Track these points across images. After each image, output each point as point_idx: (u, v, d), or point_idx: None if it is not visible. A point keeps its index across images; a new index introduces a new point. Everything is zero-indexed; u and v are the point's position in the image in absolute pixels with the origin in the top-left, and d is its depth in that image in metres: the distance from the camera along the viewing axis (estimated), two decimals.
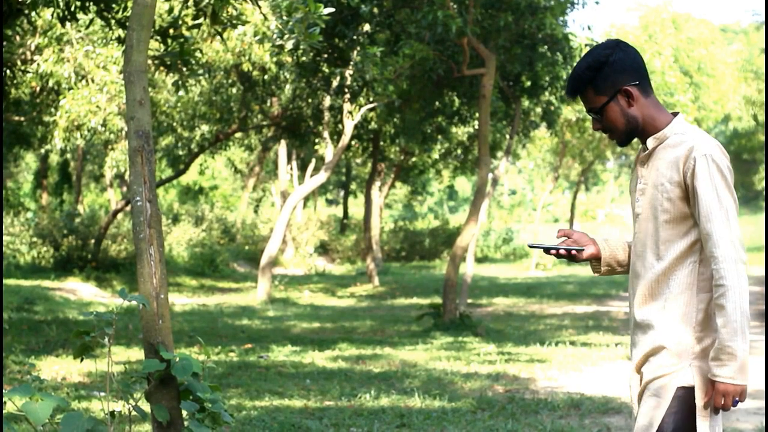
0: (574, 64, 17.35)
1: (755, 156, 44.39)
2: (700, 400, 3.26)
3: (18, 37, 16.27)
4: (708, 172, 3.23)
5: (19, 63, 16.71)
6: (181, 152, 25.56)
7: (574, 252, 3.54)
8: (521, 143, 27.91)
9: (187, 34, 10.72)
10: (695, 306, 3.31)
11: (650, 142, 3.38)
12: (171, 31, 10.51)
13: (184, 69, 11.46)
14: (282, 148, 31.68)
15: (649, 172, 3.38)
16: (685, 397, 3.26)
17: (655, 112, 3.38)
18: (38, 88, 17.95)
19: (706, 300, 3.31)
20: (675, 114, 3.42)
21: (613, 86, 3.34)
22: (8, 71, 15.94)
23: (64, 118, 16.85)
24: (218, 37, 17.18)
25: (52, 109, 17.99)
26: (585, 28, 18.24)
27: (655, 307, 3.33)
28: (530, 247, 3.63)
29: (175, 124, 22.53)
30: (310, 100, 21.48)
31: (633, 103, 3.36)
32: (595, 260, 3.61)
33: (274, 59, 18.37)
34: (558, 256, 3.56)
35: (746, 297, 3.23)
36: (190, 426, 4.68)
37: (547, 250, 3.55)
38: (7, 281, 19.03)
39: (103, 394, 8.19)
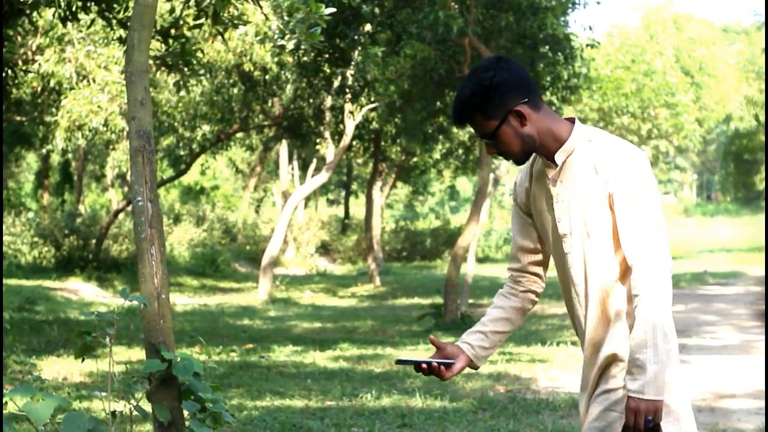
0: (576, 64, 17.41)
1: (756, 156, 44.41)
2: (664, 415, 3.10)
3: (19, 37, 16.27)
4: (626, 177, 3.08)
5: (20, 63, 16.72)
6: (182, 152, 25.58)
7: (442, 368, 3.35)
8: None
9: (188, 34, 10.72)
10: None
11: (559, 158, 3.18)
12: (172, 31, 10.51)
13: (186, 69, 11.47)
14: (283, 148, 31.69)
15: (565, 188, 3.19)
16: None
17: (551, 123, 3.19)
18: (39, 88, 17.96)
19: None
20: (571, 120, 3.24)
21: (503, 108, 3.15)
22: (9, 71, 15.94)
23: (66, 118, 16.85)
24: (219, 38, 17.19)
25: (54, 109, 17.99)
26: (586, 28, 18.25)
27: (607, 323, 3.18)
28: (397, 362, 3.44)
29: (176, 124, 22.54)
30: (311, 100, 21.49)
31: (526, 122, 3.16)
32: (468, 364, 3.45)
33: (276, 59, 18.38)
34: (428, 372, 3.37)
35: (663, 309, 3.04)
36: (191, 426, 4.68)
37: (417, 367, 3.36)
38: (8, 281, 19.03)
39: (104, 394, 8.19)
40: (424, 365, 3.35)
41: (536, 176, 3.31)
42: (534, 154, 3.29)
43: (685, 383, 3.23)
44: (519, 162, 3.26)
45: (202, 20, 10.02)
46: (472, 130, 3.36)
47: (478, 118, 3.19)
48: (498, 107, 3.16)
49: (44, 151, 27.32)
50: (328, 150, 22.02)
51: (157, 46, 11.18)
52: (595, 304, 3.20)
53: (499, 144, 3.21)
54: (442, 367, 3.36)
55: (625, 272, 3.15)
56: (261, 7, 10.52)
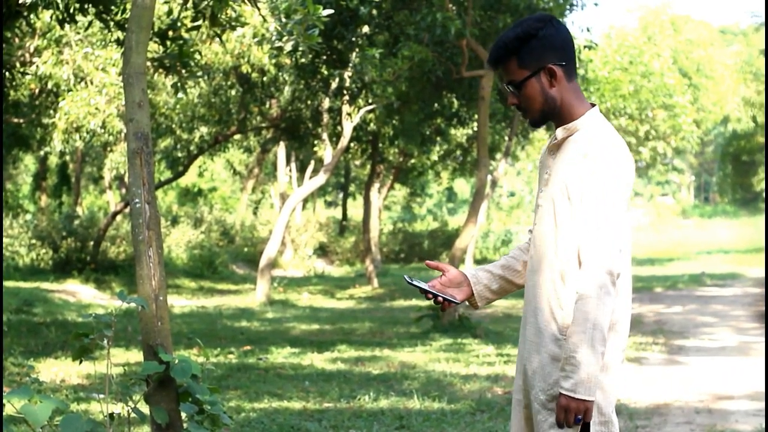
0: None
1: (754, 157, 44.43)
2: (595, 416, 3.12)
3: (17, 39, 16.27)
4: (601, 175, 3.09)
5: (18, 65, 16.71)
6: (180, 154, 25.56)
7: (446, 304, 3.37)
8: (520, 145, 27.94)
9: (186, 35, 10.72)
10: None
11: (560, 132, 3.24)
12: (170, 32, 10.51)
13: (183, 71, 11.47)
14: (281, 149, 31.69)
15: (555, 164, 3.24)
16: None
17: (574, 99, 3.24)
18: (37, 90, 17.95)
19: None
20: (593, 105, 3.27)
21: (538, 62, 3.20)
22: (7, 73, 15.94)
23: (63, 120, 16.84)
24: (217, 39, 17.17)
25: (51, 111, 17.98)
26: (584, 30, 18.23)
27: (554, 312, 3.18)
28: (406, 279, 3.40)
29: (174, 125, 22.53)
30: (309, 102, 21.47)
31: (555, 83, 3.21)
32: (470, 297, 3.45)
33: (273, 61, 18.37)
34: (435, 301, 3.37)
35: (603, 310, 3.02)
36: (189, 428, 4.68)
37: (424, 292, 3.37)
38: (6, 283, 19.01)
39: (102, 396, 8.19)
40: (430, 295, 3.37)
41: (547, 144, 3.38)
42: None
43: (616, 389, 3.21)
44: (536, 123, 3.31)
45: (200, 22, 10.02)
46: (499, 82, 3.35)
47: (512, 62, 3.24)
48: (534, 59, 3.21)
49: (42, 153, 27.31)
50: (325, 152, 21.99)
51: (154, 47, 11.18)
52: (545, 287, 3.20)
53: (522, 97, 3.26)
54: (447, 302, 3.39)
55: (574, 268, 3.14)
56: (259, 9, 10.53)
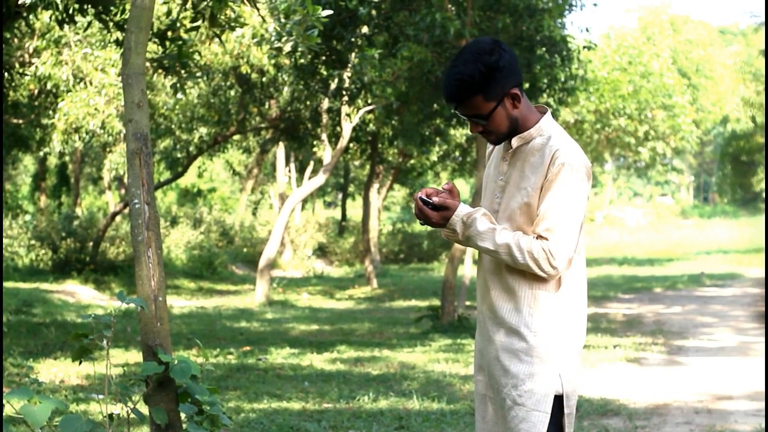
0: (573, 66, 17.42)
1: (754, 158, 44.42)
2: (567, 408, 3.25)
3: (16, 40, 16.26)
4: (565, 179, 3.19)
5: (17, 65, 16.71)
6: (179, 154, 25.55)
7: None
8: None
9: (185, 36, 10.72)
10: (556, 308, 3.24)
11: (515, 141, 3.31)
12: (169, 33, 10.51)
13: (183, 71, 11.45)
14: (280, 150, 31.68)
15: (511, 171, 3.32)
16: (554, 406, 3.23)
17: (528, 111, 3.32)
18: (36, 91, 17.95)
19: (568, 302, 3.25)
20: (543, 111, 3.35)
21: (502, 91, 3.24)
22: (6, 74, 15.94)
23: (63, 120, 16.83)
24: (216, 40, 17.18)
25: (51, 112, 17.98)
26: (583, 30, 18.25)
27: (513, 307, 3.28)
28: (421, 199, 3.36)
29: (173, 126, 22.52)
30: (308, 103, 21.47)
31: (518, 104, 3.27)
32: None
33: (273, 61, 18.36)
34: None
35: (512, 257, 3.21)
36: (188, 428, 4.68)
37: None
38: (5, 284, 19.01)
39: (101, 396, 8.18)
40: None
41: (498, 147, 3.46)
42: None
43: (576, 383, 3.32)
44: (498, 142, 3.37)
45: (199, 22, 10.02)
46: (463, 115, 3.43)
47: (477, 99, 3.25)
48: (499, 90, 3.24)
49: (41, 153, 27.30)
50: (325, 152, 21.99)
51: (153, 48, 11.19)
52: (503, 283, 3.32)
53: (489, 125, 3.30)
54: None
55: (531, 275, 3.24)
56: (258, 10, 10.52)
